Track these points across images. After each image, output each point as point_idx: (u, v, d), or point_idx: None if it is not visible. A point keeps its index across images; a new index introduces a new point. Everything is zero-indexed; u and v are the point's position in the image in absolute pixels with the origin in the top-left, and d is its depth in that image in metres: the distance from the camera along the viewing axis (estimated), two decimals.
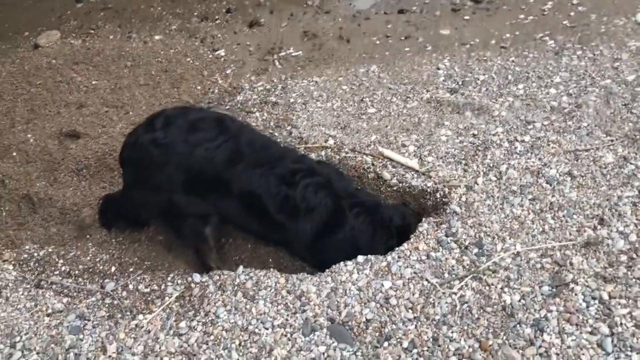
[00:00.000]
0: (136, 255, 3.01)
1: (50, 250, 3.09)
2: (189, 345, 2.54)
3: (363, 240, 2.85)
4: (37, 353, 2.56)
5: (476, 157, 3.22)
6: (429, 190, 3.09)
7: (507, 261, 2.66)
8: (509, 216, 2.86)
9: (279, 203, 2.77)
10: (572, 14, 4.44)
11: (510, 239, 2.76)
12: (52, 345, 2.62)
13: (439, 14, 4.83)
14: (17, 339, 2.67)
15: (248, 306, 2.65)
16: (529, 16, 4.54)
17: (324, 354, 2.44)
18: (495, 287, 2.55)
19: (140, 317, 2.69)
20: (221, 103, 4.05)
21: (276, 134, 3.59)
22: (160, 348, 2.54)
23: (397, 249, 2.79)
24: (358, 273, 2.72)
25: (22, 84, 4.69)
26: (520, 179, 3.03)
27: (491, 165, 3.15)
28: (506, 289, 2.54)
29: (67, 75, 4.64)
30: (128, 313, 2.72)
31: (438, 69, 4.10)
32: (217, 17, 5.38)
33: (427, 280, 2.63)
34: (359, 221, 2.84)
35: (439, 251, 2.75)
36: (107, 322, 2.69)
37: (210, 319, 2.64)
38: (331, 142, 3.46)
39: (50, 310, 2.78)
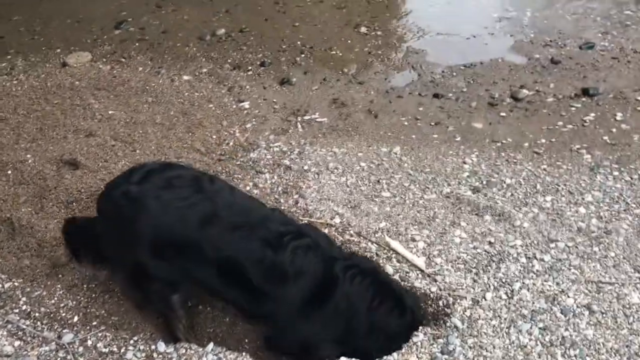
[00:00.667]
0: (104, 308, 2.76)
1: (16, 284, 2.87)
2: None
3: (361, 307, 2.53)
4: None
5: (489, 268, 2.95)
6: (432, 295, 2.82)
7: None
8: (515, 344, 2.56)
9: (264, 270, 2.49)
10: (614, 130, 4.21)
11: None
12: None
13: (475, 106, 4.64)
14: None
15: None
16: (568, 124, 4.32)
17: None
18: None
19: None
20: (233, 157, 3.87)
21: (282, 200, 3.38)
22: None
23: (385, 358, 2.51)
24: None
25: (40, 100, 4.58)
26: (533, 303, 2.75)
27: (504, 280, 2.88)
28: None
29: (86, 99, 4.52)
30: None
31: (464, 162, 3.88)
32: (249, 68, 5.28)
33: None
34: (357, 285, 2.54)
35: None
36: None
37: None
38: (337, 220, 3.22)
39: None
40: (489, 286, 2.85)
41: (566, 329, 2.62)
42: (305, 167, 3.75)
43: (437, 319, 2.74)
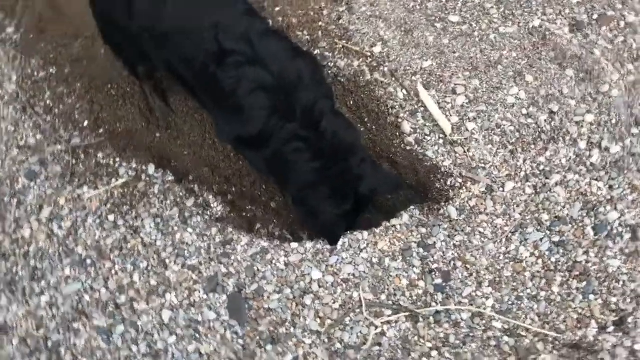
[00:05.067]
0: (115, 114, 2.76)
1: (49, 73, 2.95)
2: (104, 245, 2.42)
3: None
4: None
5: (532, 147, 2.35)
6: (441, 170, 2.37)
7: (463, 317, 2.07)
8: (509, 255, 2.15)
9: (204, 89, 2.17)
10: None
11: (489, 288, 2.11)
12: (7, 181, 2.64)
13: None
14: None
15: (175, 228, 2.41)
16: None
17: (211, 321, 2.20)
18: (425, 344, 2.03)
19: (85, 189, 2.58)
20: None
21: (325, 12, 2.84)
22: (80, 234, 2.46)
23: (352, 234, 2.27)
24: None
25: None
26: (563, 207, 2.20)
27: (542, 168, 2.29)
28: (434, 354, 2.01)
29: None
30: (76, 180, 2.61)
31: None
32: None
33: (360, 292, 2.15)
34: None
35: (396, 261, 2.20)
36: (57, 180, 2.61)
37: (136, 224, 2.45)
38: (377, 49, 2.68)
39: (22, 143, 2.74)
40: (519, 172, 2.31)
41: (585, 253, 2.10)
42: None
43: (439, 199, 2.35)
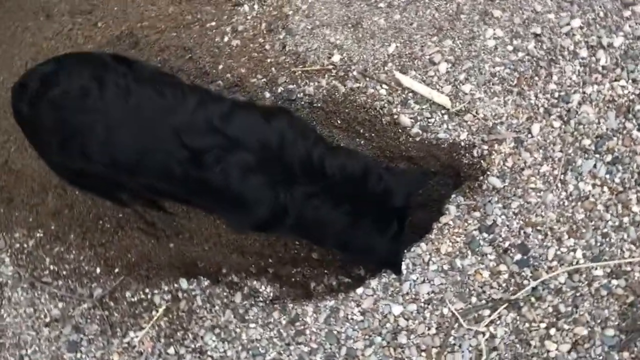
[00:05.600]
0: (118, 248, 2.60)
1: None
2: None
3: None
4: None
5: (536, 78, 2.20)
6: (462, 144, 2.22)
7: (561, 281, 1.92)
8: (573, 196, 2.00)
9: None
10: None
11: (570, 239, 1.96)
12: None
13: None
14: (23, 352, 2.58)
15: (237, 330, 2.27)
16: None
17: None
18: (539, 326, 1.89)
19: (131, 334, 2.44)
20: None
21: (267, 46, 2.68)
22: None
23: (410, 251, 2.12)
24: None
25: None
26: (599, 123, 2.05)
27: (557, 95, 2.15)
28: (553, 331, 1.87)
29: None
30: (118, 329, 2.46)
31: None
32: None
33: (448, 306, 2.01)
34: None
35: (467, 257, 2.05)
36: (100, 338, 2.48)
37: (198, 345, 2.31)
38: (336, 58, 2.51)
39: (48, 319, 2.59)
40: (537, 109, 2.16)
41: None
42: None
43: (473, 174, 2.20)
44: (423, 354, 1.98)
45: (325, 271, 2.37)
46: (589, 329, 1.85)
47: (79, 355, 2.48)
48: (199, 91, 2.03)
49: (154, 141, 1.89)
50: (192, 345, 2.32)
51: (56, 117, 1.94)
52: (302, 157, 1.88)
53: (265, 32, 2.73)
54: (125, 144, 1.92)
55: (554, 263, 1.94)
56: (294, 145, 1.89)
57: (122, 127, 1.90)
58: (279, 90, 2.56)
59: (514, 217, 2.04)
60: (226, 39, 2.73)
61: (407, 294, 2.07)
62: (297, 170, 1.87)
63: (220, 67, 2.70)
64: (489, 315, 1.95)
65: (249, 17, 2.78)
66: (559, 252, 1.95)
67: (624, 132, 2.01)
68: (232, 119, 1.90)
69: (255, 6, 2.81)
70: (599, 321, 1.85)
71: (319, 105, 2.49)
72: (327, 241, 2.03)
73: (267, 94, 2.57)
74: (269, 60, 2.64)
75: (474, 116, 2.22)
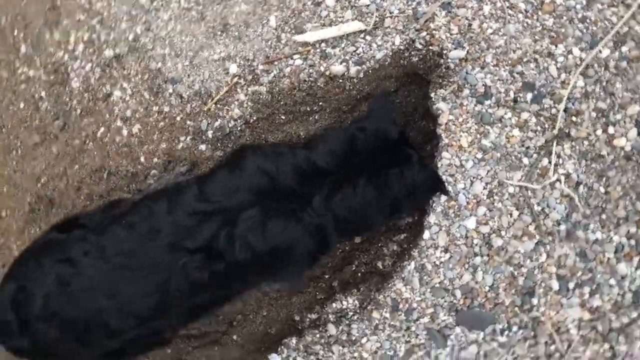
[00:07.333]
0: None
1: None
2: None
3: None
4: None
5: None
6: (402, 47, 2.10)
7: (580, 84, 1.85)
8: (529, 10, 1.92)
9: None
10: None
11: (558, 46, 1.89)
12: None
13: None
14: None
15: None
16: None
17: None
18: (596, 134, 1.81)
19: None
20: None
21: (165, 109, 2.45)
22: None
23: (439, 167, 2.00)
24: None
25: None
26: None
27: None
28: (611, 130, 1.80)
29: None
30: None
31: None
32: None
33: (509, 183, 1.91)
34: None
35: (489, 133, 1.96)
36: None
37: None
38: (234, 68, 2.33)
39: None
40: None
41: None
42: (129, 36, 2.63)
43: (434, 69, 2.08)
44: (524, 238, 1.89)
45: (382, 247, 2.23)
46: (635, 103, 1.79)
47: None
48: (158, 196, 1.83)
49: (160, 270, 1.69)
50: None
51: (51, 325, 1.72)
52: (294, 173, 1.77)
53: (152, 98, 2.51)
54: (134, 293, 1.72)
55: (563, 76, 1.87)
56: (278, 170, 1.76)
57: (121, 281, 1.70)
58: (210, 136, 2.37)
59: (497, 68, 1.95)
60: (125, 132, 2.50)
61: (468, 203, 1.96)
62: (299, 187, 1.75)
63: (142, 159, 2.47)
64: (550, 162, 1.86)
65: (127, 99, 2.55)
66: (559, 65, 1.88)
67: None
68: (208, 192, 1.73)
69: (124, 85, 2.58)
70: (637, 95, 1.79)
71: (255, 117, 2.31)
72: (375, 221, 1.90)
73: (202, 147, 2.38)
74: (178, 118, 2.43)
75: (391, 17, 2.10)
